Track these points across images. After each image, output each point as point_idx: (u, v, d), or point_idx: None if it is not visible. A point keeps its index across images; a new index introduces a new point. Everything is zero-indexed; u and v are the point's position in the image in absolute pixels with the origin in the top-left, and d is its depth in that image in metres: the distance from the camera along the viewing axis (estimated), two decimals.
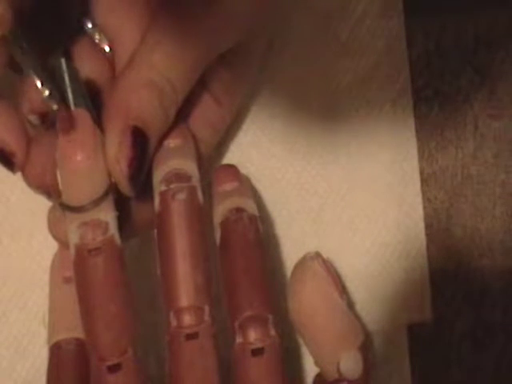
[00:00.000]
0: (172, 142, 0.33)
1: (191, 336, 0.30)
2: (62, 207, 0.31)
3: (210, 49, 0.32)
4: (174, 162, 0.32)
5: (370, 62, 0.38)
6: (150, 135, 0.31)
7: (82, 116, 0.31)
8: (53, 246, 0.35)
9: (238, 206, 0.32)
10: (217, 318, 0.31)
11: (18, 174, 0.32)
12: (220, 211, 0.33)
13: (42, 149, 0.32)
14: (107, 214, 0.31)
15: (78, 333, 0.32)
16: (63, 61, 0.31)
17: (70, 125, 0.30)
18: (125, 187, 0.31)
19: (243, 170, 0.35)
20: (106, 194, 0.31)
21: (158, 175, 0.32)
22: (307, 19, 0.38)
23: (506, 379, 0.38)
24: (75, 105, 0.31)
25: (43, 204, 0.33)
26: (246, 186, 0.34)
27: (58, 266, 0.34)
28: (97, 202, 0.30)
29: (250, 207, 0.33)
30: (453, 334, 0.38)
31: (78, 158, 0.30)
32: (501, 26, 0.39)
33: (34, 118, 0.32)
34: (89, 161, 0.30)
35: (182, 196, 0.31)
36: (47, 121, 0.32)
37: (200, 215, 0.31)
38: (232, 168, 0.34)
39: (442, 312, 0.38)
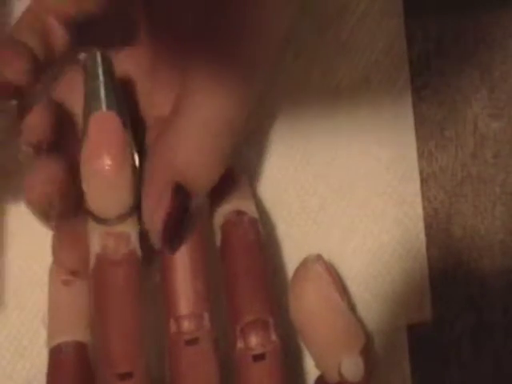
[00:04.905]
0: None
1: (191, 342, 0.30)
2: (87, 213, 0.30)
3: (254, 79, 0.30)
4: None
5: (370, 62, 0.38)
6: (193, 193, 0.30)
7: (112, 120, 0.30)
8: None
9: (239, 209, 0.32)
10: (217, 321, 0.31)
11: (17, 173, 0.32)
12: (220, 214, 0.32)
13: (42, 173, 0.31)
14: (131, 228, 0.30)
15: (78, 335, 0.32)
16: (98, 54, 0.29)
17: None
18: (157, 244, 0.31)
19: (243, 171, 0.35)
20: (132, 209, 0.30)
21: None
22: (307, 19, 0.38)
23: (506, 379, 0.38)
24: (107, 107, 0.30)
25: None
26: (246, 189, 0.34)
27: (57, 269, 0.34)
28: (122, 218, 0.30)
29: (251, 210, 0.33)
30: (452, 334, 0.38)
31: (105, 162, 0.29)
32: (501, 26, 0.39)
33: (28, 150, 0.31)
34: (116, 167, 0.29)
35: None
36: (41, 152, 0.31)
37: (199, 221, 0.31)
38: (231, 170, 0.34)
39: (442, 312, 0.38)
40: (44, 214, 0.31)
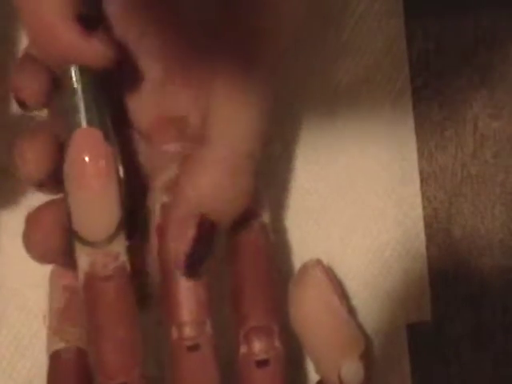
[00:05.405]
0: (173, 147, 0.32)
1: (193, 348, 0.30)
2: (73, 236, 0.30)
3: (272, 83, 0.31)
4: (175, 170, 0.31)
5: (370, 62, 0.38)
6: (219, 223, 0.30)
7: (94, 137, 0.29)
8: None
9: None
10: (220, 326, 0.31)
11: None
12: None
13: (45, 214, 0.31)
14: (119, 247, 0.30)
15: (78, 342, 0.32)
16: (73, 69, 0.28)
17: None
18: (180, 272, 0.30)
19: None
20: (118, 229, 0.30)
21: (159, 185, 0.31)
22: (307, 19, 0.38)
23: (506, 379, 0.38)
24: (88, 122, 0.29)
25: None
26: (261, 193, 0.33)
27: (57, 275, 0.34)
28: (110, 239, 0.30)
29: (264, 215, 0.32)
30: (452, 334, 0.38)
31: (88, 181, 0.29)
32: (501, 26, 0.39)
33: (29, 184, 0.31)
34: (100, 185, 0.29)
35: None
36: (43, 189, 0.31)
37: None
38: None
39: (442, 312, 0.38)
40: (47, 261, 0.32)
